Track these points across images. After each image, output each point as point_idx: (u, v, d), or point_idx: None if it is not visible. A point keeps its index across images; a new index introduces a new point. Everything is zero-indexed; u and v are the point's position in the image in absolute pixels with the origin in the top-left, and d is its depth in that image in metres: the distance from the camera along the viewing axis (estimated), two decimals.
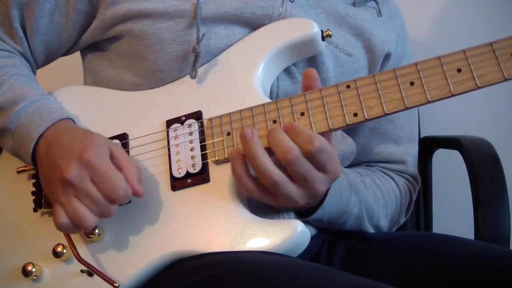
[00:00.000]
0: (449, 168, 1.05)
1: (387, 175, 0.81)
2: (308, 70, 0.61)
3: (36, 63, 0.77)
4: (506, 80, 0.55)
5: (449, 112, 1.12)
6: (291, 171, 0.56)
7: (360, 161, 0.82)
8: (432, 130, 1.06)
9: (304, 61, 0.71)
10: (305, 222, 0.72)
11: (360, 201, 0.71)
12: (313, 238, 0.74)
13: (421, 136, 1.04)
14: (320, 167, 0.56)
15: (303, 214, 0.67)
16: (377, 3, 0.77)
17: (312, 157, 0.55)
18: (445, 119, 1.13)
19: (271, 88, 0.70)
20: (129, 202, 0.63)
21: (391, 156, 0.82)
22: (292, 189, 0.56)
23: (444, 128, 1.09)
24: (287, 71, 0.71)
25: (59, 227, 0.58)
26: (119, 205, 0.59)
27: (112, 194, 0.56)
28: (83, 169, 0.57)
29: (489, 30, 1.12)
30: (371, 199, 0.73)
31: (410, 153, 0.83)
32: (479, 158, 0.85)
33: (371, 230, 0.76)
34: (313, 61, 0.71)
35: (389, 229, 0.81)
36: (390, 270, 0.67)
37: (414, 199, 0.83)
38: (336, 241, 0.76)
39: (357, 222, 0.72)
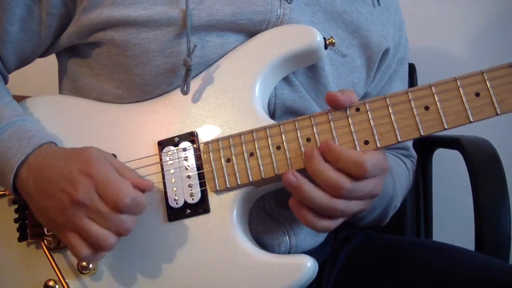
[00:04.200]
0: (449, 168, 1.06)
1: (396, 156, 0.83)
2: (330, 97, 0.58)
3: (8, 71, 0.72)
4: None
5: None
6: (346, 198, 0.55)
7: None
8: None
9: (304, 67, 0.68)
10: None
11: (394, 181, 0.73)
12: (321, 246, 0.76)
13: None
14: (371, 177, 0.56)
15: None
16: None
17: (365, 178, 0.55)
18: None
19: (269, 97, 0.67)
20: None
21: (394, 144, 0.82)
22: (359, 207, 0.57)
23: None
24: (285, 79, 0.68)
25: (83, 260, 0.59)
26: (134, 214, 0.56)
27: (119, 204, 0.54)
28: (90, 185, 0.55)
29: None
30: (397, 179, 0.75)
31: None
32: (480, 158, 0.86)
33: (390, 214, 0.78)
34: (312, 67, 0.68)
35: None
36: (387, 278, 0.69)
37: (414, 174, 0.87)
38: (340, 249, 0.77)
39: (386, 206, 0.74)
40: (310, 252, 0.67)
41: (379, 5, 0.75)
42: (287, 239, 0.68)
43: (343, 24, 0.71)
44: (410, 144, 0.85)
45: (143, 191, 0.57)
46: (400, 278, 0.69)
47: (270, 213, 0.69)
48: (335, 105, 0.58)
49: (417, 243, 0.81)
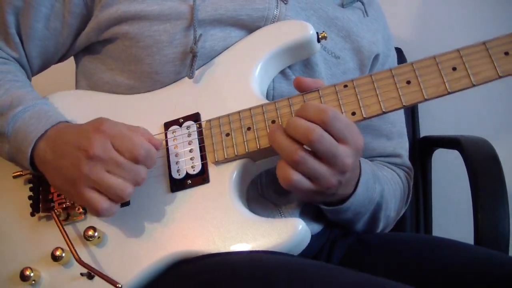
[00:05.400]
0: (449, 168, 1.09)
1: (388, 167, 0.86)
2: (297, 80, 0.65)
3: (32, 70, 0.79)
4: (500, 77, 0.59)
5: (449, 112, 1.16)
6: (317, 150, 0.58)
7: None
8: (431, 129, 1.09)
9: (300, 63, 0.75)
10: (313, 219, 0.77)
11: (382, 190, 0.74)
12: (316, 236, 0.78)
13: (421, 136, 1.07)
14: (340, 138, 0.59)
15: (333, 204, 0.69)
16: (363, 4, 0.82)
17: (329, 127, 0.58)
18: (444, 118, 1.17)
19: (267, 90, 0.73)
20: (129, 204, 0.66)
21: (386, 151, 0.86)
22: (320, 167, 0.58)
23: (444, 127, 1.12)
24: (282, 73, 0.74)
25: (104, 213, 0.59)
26: (147, 166, 0.61)
27: (136, 154, 0.59)
28: (105, 140, 0.60)
29: (484, 30, 1.17)
30: (386, 188, 0.77)
31: (403, 147, 0.88)
32: (479, 158, 0.89)
33: (381, 224, 0.79)
34: (308, 63, 0.75)
35: (394, 221, 0.84)
36: (389, 275, 0.69)
37: (411, 188, 0.88)
38: (336, 241, 0.79)
39: (374, 213, 0.75)
40: None
41: (367, 15, 0.83)
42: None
43: (336, 29, 0.78)
44: (403, 152, 0.87)
45: (155, 147, 0.62)
46: (399, 273, 0.70)
47: (269, 198, 0.73)
48: (301, 88, 0.64)
49: (415, 238, 0.83)
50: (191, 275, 0.57)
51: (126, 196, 0.59)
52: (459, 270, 0.65)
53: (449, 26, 1.20)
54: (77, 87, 0.83)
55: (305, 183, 0.59)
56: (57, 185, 0.65)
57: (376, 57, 0.83)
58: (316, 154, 0.58)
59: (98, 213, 0.60)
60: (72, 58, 0.84)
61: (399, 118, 0.89)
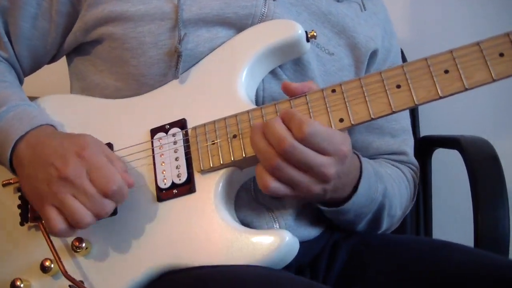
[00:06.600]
0: (449, 168, 1.07)
1: (393, 165, 0.84)
2: (284, 85, 0.64)
3: (23, 70, 0.79)
4: (494, 81, 0.56)
5: (449, 111, 1.15)
6: (291, 160, 0.57)
7: None
8: (431, 129, 1.08)
9: (290, 61, 0.73)
10: (310, 224, 0.76)
11: (385, 188, 0.73)
12: (315, 239, 0.77)
13: (421, 136, 1.06)
14: (319, 150, 0.57)
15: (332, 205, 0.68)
16: None
17: (306, 142, 0.56)
18: (444, 118, 1.16)
19: (257, 91, 0.72)
20: (116, 214, 0.66)
21: (390, 148, 0.84)
22: (297, 175, 0.57)
23: (444, 127, 1.11)
24: (273, 72, 0.72)
25: (57, 233, 0.60)
26: (115, 202, 0.61)
27: (107, 188, 0.59)
28: (80, 166, 0.60)
29: (485, 29, 1.14)
30: (390, 186, 0.76)
31: (408, 144, 0.86)
32: (479, 158, 0.88)
33: (384, 224, 0.78)
34: (299, 61, 0.73)
35: (400, 219, 0.83)
36: (390, 276, 0.69)
37: (417, 186, 0.86)
38: (339, 244, 0.78)
39: (377, 213, 0.74)
40: (302, 244, 0.69)
41: (365, 9, 0.80)
42: (277, 226, 0.71)
43: (329, 25, 0.76)
44: (408, 149, 0.85)
45: (127, 185, 0.62)
46: (399, 274, 0.69)
47: (263, 203, 0.72)
48: (288, 93, 0.63)
49: (415, 240, 0.81)
50: (176, 285, 0.57)
51: (84, 225, 0.59)
52: (458, 273, 0.64)
53: (450, 26, 1.18)
54: (71, 88, 0.83)
55: (283, 190, 0.58)
56: (26, 191, 0.65)
57: (374, 52, 0.80)
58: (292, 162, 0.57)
59: (52, 232, 0.61)
60: (65, 60, 0.83)
61: (403, 114, 0.86)
